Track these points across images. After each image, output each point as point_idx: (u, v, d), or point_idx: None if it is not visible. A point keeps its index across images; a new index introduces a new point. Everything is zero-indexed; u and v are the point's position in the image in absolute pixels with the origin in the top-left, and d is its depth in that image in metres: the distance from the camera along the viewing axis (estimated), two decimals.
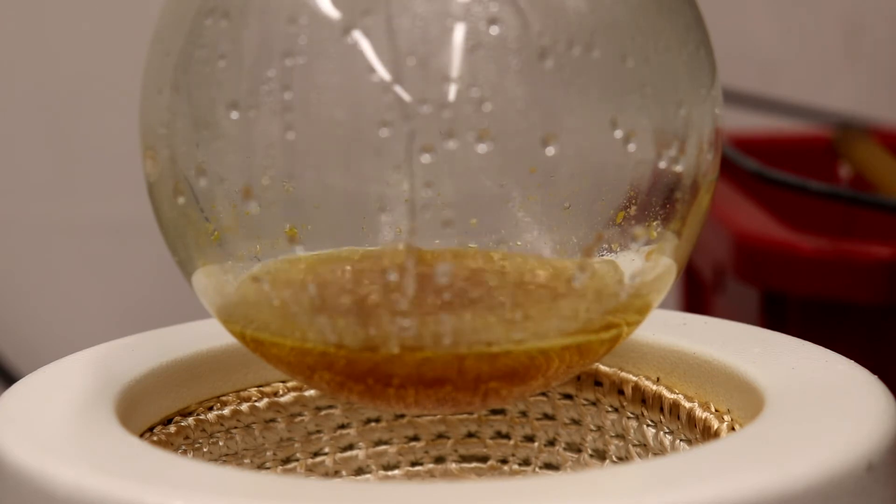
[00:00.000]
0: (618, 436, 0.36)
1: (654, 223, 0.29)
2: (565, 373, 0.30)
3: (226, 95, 0.28)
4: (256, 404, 0.35)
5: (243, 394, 0.35)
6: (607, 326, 0.30)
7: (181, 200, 0.29)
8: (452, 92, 0.27)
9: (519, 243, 0.30)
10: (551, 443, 0.37)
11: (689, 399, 0.34)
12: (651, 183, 0.29)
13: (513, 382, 0.29)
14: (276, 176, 0.28)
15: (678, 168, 0.29)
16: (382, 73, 0.27)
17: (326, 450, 0.37)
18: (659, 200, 0.29)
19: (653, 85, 0.29)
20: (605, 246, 0.30)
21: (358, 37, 0.27)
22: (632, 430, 0.35)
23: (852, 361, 0.32)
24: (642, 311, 0.31)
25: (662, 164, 0.29)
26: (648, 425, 0.35)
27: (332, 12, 0.27)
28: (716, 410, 0.33)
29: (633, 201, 0.29)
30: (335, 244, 0.30)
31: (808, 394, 0.30)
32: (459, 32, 0.27)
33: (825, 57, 0.83)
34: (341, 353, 0.29)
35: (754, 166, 0.57)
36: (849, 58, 0.83)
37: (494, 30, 0.27)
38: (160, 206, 0.30)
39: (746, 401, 0.31)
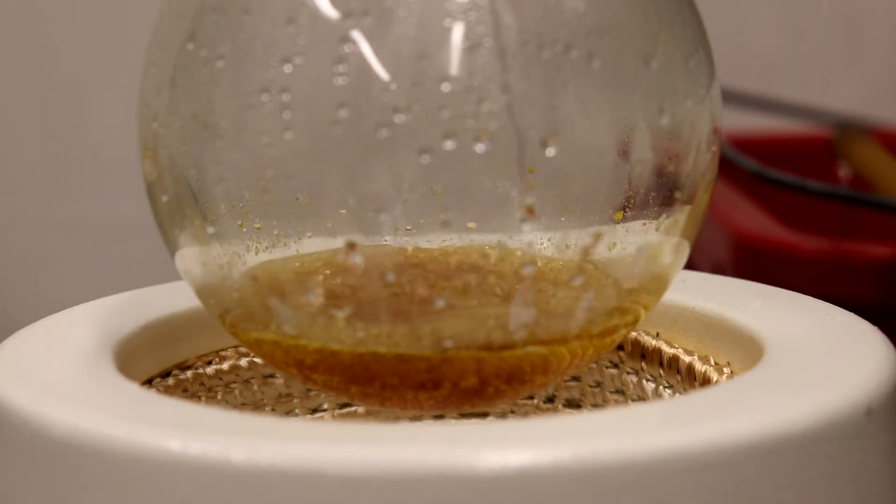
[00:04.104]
0: (617, 391, 0.35)
1: (653, 223, 0.29)
2: (557, 374, 0.30)
3: (225, 95, 0.28)
4: (255, 360, 0.35)
5: (242, 349, 0.35)
6: (604, 327, 0.30)
7: (180, 200, 0.29)
8: (451, 92, 0.27)
9: (517, 243, 0.30)
10: (550, 399, 0.37)
11: (689, 353, 0.34)
12: (650, 183, 0.29)
13: (511, 384, 0.29)
14: (274, 176, 0.28)
15: (677, 168, 0.29)
16: (382, 73, 0.27)
17: (325, 406, 0.36)
18: (658, 200, 0.29)
19: (651, 85, 0.29)
20: (604, 246, 0.30)
21: (357, 37, 0.27)
22: (631, 386, 0.35)
23: (853, 314, 0.32)
24: (645, 308, 0.31)
25: (661, 164, 0.29)
26: (648, 380, 0.35)
27: (331, 12, 0.28)
28: (716, 364, 0.33)
29: (632, 201, 0.29)
30: (334, 244, 0.30)
31: (808, 343, 0.30)
32: (458, 32, 0.27)
33: (825, 57, 0.83)
34: (340, 353, 0.29)
35: (753, 166, 0.57)
36: (849, 58, 0.83)
37: (493, 30, 0.27)
38: (159, 206, 0.30)
39: (747, 353, 0.31)
